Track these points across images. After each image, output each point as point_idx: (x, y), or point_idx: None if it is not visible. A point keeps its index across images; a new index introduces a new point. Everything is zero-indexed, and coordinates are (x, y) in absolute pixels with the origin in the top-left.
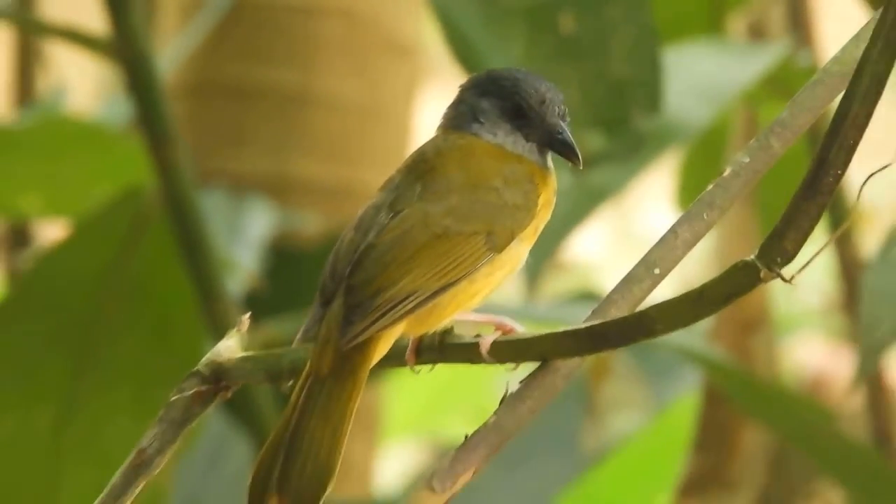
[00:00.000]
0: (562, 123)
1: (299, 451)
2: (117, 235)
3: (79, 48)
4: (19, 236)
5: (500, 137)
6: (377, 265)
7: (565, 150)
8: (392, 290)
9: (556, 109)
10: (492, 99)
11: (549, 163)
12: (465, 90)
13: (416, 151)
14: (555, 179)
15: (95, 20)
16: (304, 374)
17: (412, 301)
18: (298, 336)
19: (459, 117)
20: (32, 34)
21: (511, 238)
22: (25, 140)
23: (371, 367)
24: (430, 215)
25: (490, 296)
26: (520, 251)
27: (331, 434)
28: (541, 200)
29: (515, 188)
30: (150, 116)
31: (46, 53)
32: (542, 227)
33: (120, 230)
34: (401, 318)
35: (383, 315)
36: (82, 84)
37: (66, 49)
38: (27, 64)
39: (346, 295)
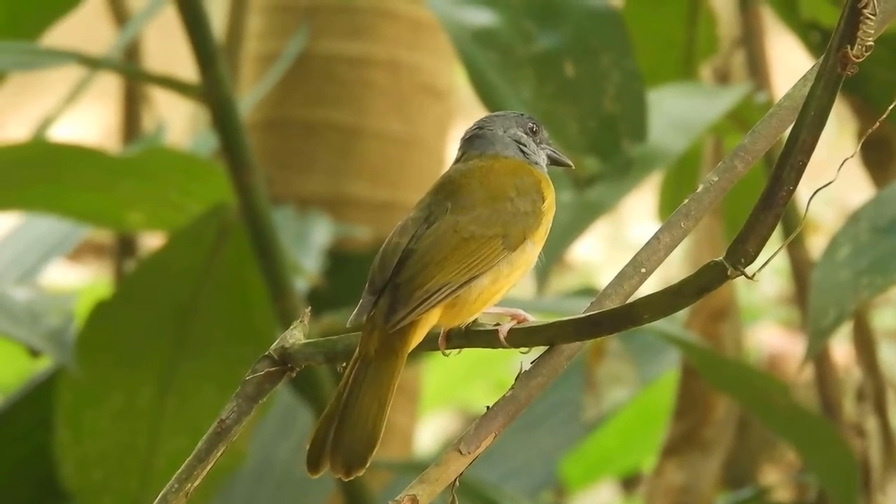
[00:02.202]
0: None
1: (350, 420)
2: (206, 243)
3: (175, 93)
4: (126, 246)
5: (533, 153)
6: (417, 265)
7: (561, 161)
8: (429, 284)
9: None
10: (517, 128)
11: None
12: (490, 127)
13: (442, 176)
14: (553, 187)
15: (189, 70)
16: (354, 356)
17: (445, 291)
18: (351, 318)
19: (492, 144)
20: (138, 82)
21: (523, 238)
22: (132, 167)
23: (410, 351)
24: (460, 223)
25: (508, 292)
26: (533, 255)
27: (377, 405)
28: (545, 206)
29: (525, 197)
30: (232, 148)
31: (149, 97)
32: (548, 230)
33: (208, 239)
34: (436, 304)
35: (422, 303)
36: (178, 121)
37: (165, 94)
38: (134, 105)
39: (392, 291)
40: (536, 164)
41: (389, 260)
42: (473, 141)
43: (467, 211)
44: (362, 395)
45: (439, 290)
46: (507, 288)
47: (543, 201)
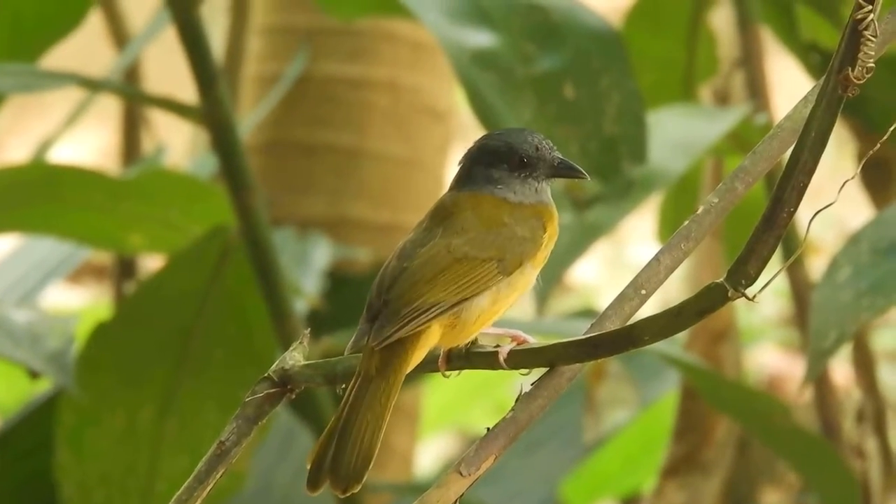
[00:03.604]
0: (558, 155)
1: (349, 437)
2: (207, 265)
3: (175, 115)
4: (126, 268)
5: (517, 193)
6: (407, 283)
7: (571, 171)
8: (418, 302)
9: (548, 147)
10: (499, 166)
11: (551, 201)
12: (471, 165)
13: (436, 203)
14: (557, 214)
15: (189, 92)
16: (355, 376)
17: (435, 311)
18: (349, 346)
19: (471, 182)
20: (138, 104)
21: (519, 264)
22: (132, 189)
23: (409, 371)
24: (453, 244)
25: (507, 313)
26: (531, 276)
27: (374, 422)
28: (546, 235)
29: (524, 224)
30: (232, 169)
31: (149, 119)
32: (548, 255)
33: (209, 261)
34: (425, 323)
35: (410, 321)
36: (178, 143)
37: (165, 115)
38: (134, 127)
39: (383, 308)
40: (521, 202)
41: (386, 284)
42: (461, 178)
43: (462, 234)
44: (361, 413)
45: (429, 308)
46: (506, 308)
47: (545, 231)
